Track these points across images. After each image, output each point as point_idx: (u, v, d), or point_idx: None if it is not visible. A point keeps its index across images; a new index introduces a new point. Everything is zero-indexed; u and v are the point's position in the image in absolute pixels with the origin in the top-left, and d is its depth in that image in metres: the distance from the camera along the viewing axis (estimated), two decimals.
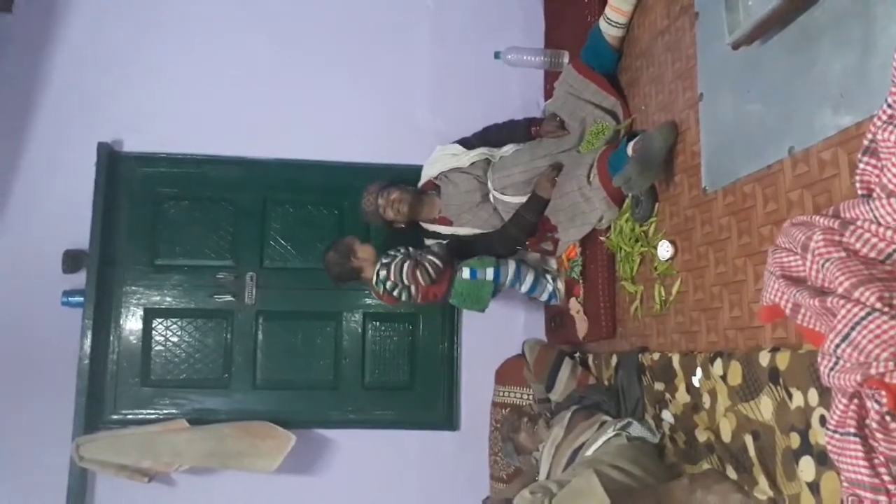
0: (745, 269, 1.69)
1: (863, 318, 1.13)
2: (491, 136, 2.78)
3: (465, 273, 2.63)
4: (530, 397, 2.64)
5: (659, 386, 1.99)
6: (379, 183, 2.77)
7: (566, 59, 2.79)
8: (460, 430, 3.11)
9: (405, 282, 2.59)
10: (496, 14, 3.32)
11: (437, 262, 2.57)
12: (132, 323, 3.08)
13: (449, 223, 2.78)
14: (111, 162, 3.06)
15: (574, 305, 2.64)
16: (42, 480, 2.84)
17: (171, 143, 3.12)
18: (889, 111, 1.17)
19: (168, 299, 3.10)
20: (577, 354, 2.63)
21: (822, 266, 1.25)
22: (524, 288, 2.70)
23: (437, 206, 2.80)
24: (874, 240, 1.19)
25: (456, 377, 3.17)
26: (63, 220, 3.00)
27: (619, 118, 2.42)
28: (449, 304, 2.83)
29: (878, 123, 1.19)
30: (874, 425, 1.16)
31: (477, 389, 3.02)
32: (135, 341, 3.07)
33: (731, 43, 1.63)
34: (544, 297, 2.74)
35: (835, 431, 1.22)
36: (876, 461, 1.16)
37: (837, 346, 1.18)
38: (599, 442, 1.96)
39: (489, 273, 2.63)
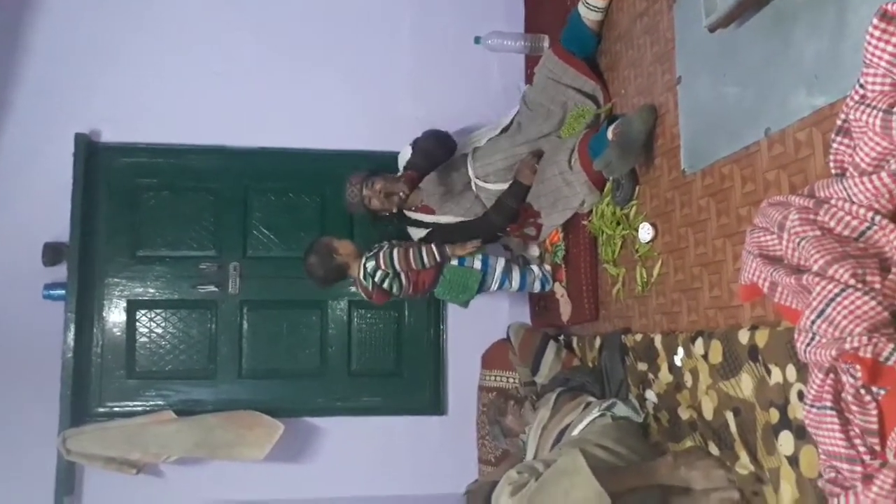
0: (724, 250, 1.72)
1: (837, 295, 1.16)
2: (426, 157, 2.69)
3: (454, 260, 2.62)
4: (516, 381, 2.67)
5: (642, 366, 2.02)
6: (361, 173, 2.75)
7: (546, 44, 2.80)
8: (448, 415, 3.14)
9: (396, 267, 2.54)
10: None
11: (430, 246, 2.56)
12: (115, 315, 3.06)
13: (431, 211, 2.78)
14: (89, 153, 3.02)
15: (558, 289, 2.66)
16: (29, 475, 2.83)
17: (150, 132, 3.08)
18: (861, 91, 1.19)
19: (151, 290, 3.09)
20: (562, 337, 2.65)
21: (798, 245, 1.28)
22: (514, 285, 2.66)
23: (419, 194, 2.80)
24: (847, 217, 1.22)
25: (442, 362, 3.19)
26: (42, 212, 2.96)
27: (599, 102, 2.44)
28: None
29: (851, 104, 1.21)
30: (849, 398, 1.19)
31: (463, 374, 3.05)
32: (119, 333, 3.05)
33: (707, 26, 1.65)
34: (537, 287, 2.70)
35: (812, 405, 1.25)
36: (851, 433, 1.19)
37: (813, 322, 1.20)
38: (585, 422, 1.98)
39: (477, 261, 2.62)
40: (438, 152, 2.67)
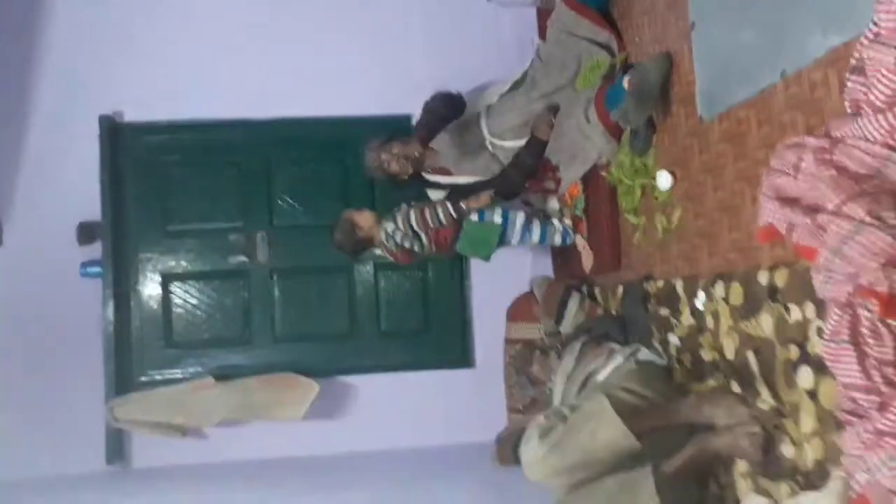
0: (742, 193, 1.74)
1: (853, 232, 1.19)
2: (432, 121, 2.74)
3: (473, 216, 2.65)
4: (541, 332, 2.73)
5: (664, 311, 2.07)
6: (379, 138, 2.78)
7: None
8: (476, 368, 3.23)
9: (415, 227, 2.60)
10: None
11: (445, 203, 2.61)
12: (151, 288, 3.17)
13: (448, 173, 2.81)
14: (114, 134, 3.09)
15: (579, 241, 2.70)
16: (81, 443, 2.98)
17: (171, 110, 3.14)
18: (875, 29, 1.20)
19: (183, 263, 3.19)
20: (585, 288, 2.70)
21: (814, 184, 1.30)
22: (535, 238, 2.68)
23: (436, 156, 2.83)
24: (863, 156, 1.24)
25: (468, 317, 3.27)
26: (73, 194, 3.06)
27: (613, 52, 2.43)
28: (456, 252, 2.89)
29: (865, 42, 1.22)
30: (866, 332, 1.23)
31: (489, 328, 3.12)
32: (155, 306, 3.17)
33: None
34: (558, 240, 2.71)
35: (830, 340, 1.29)
36: (868, 364, 1.23)
37: (830, 259, 1.24)
38: (609, 368, 2.04)
39: (497, 214, 2.65)
40: (446, 111, 2.71)
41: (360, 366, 3.21)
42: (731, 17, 1.73)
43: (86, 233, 3.05)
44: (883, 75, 1.19)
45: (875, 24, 1.20)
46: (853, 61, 1.28)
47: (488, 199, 2.63)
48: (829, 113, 1.42)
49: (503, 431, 2.83)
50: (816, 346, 1.42)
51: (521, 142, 2.65)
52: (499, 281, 3.13)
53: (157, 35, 3.12)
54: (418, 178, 2.87)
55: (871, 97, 1.23)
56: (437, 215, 2.59)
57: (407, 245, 2.64)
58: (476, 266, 3.24)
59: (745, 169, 1.72)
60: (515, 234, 2.67)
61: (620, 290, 2.36)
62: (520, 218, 2.67)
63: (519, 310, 2.89)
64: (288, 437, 3.07)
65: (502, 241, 2.67)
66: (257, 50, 3.16)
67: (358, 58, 3.19)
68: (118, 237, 3.08)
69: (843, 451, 1.25)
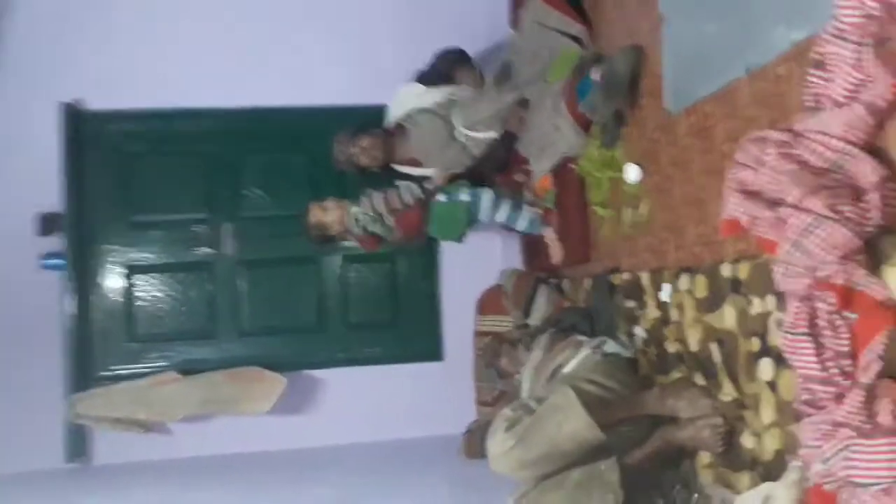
0: (708, 187, 1.75)
1: (811, 225, 1.20)
2: (445, 66, 2.77)
3: (441, 196, 2.65)
4: (510, 325, 2.74)
5: (630, 303, 2.08)
6: (347, 131, 2.76)
7: None
8: (445, 361, 3.23)
9: (379, 210, 2.60)
10: None
11: (409, 184, 2.60)
12: (114, 281, 3.11)
13: (419, 164, 2.80)
14: (76, 122, 3.02)
15: (548, 233, 2.70)
16: (39, 441, 2.92)
17: (136, 98, 3.08)
18: (837, 25, 1.21)
19: (147, 255, 3.13)
20: (553, 280, 2.71)
21: (775, 178, 1.31)
22: (501, 217, 2.68)
23: (407, 147, 2.81)
24: (822, 149, 1.25)
25: (438, 310, 3.26)
26: (33, 183, 2.98)
27: (584, 44, 2.43)
28: (427, 239, 2.88)
29: (827, 37, 1.23)
30: (824, 324, 1.25)
31: (459, 320, 3.11)
32: (118, 298, 3.10)
33: None
34: (523, 226, 2.72)
35: (789, 332, 1.31)
36: (825, 356, 1.25)
37: (790, 252, 1.25)
38: (576, 360, 2.05)
39: (464, 193, 2.64)
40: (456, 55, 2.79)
41: (328, 359, 3.19)
42: (700, 11, 1.73)
43: (46, 223, 2.97)
44: (843, 70, 1.20)
45: (837, 19, 1.21)
46: (815, 56, 1.29)
47: (449, 175, 2.62)
48: (793, 107, 1.43)
49: (471, 424, 2.83)
50: (777, 338, 1.43)
51: (492, 133, 2.65)
52: (468, 273, 3.13)
53: (121, 21, 3.05)
54: (389, 170, 2.85)
55: (832, 92, 1.24)
56: (401, 195, 2.58)
57: (373, 229, 2.63)
58: (446, 258, 3.24)
59: (711, 163, 1.73)
60: (484, 209, 2.65)
61: (588, 282, 2.37)
62: (487, 194, 2.66)
63: (488, 302, 2.89)
64: (254, 432, 3.04)
65: (472, 219, 2.66)
66: (225, 38, 3.10)
67: (327, 47, 3.16)
68: (80, 227, 3.01)
69: (801, 441, 1.27)
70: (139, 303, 3.12)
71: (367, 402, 3.14)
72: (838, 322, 1.22)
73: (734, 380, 1.59)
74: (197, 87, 3.09)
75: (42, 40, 3.00)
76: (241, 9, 3.12)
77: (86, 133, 3.05)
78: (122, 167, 3.10)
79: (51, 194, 2.96)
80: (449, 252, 3.20)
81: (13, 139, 2.98)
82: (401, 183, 2.70)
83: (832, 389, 1.21)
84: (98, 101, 3.06)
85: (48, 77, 3.00)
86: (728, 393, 1.61)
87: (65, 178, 2.97)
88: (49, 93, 2.97)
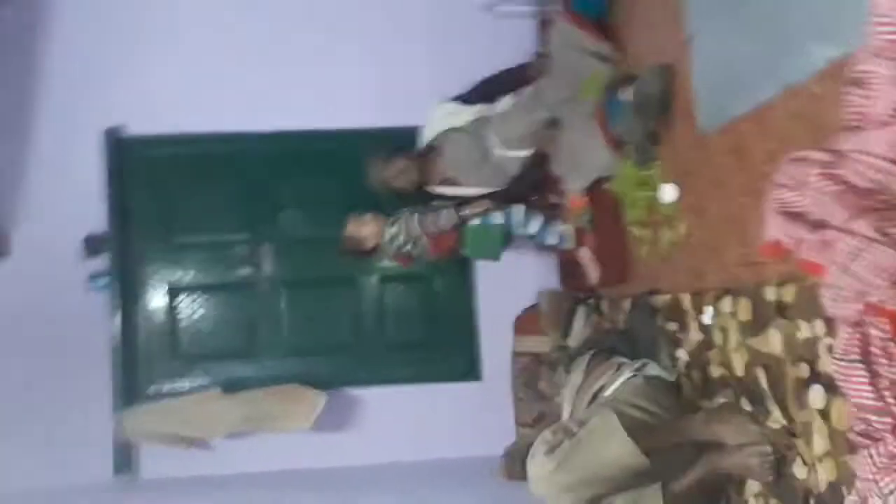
0: (747, 207, 1.71)
1: (860, 249, 1.16)
2: (487, 89, 2.78)
3: (476, 219, 2.66)
4: (548, 345, 2.71)
5: (672, 326, 2.04)
6: (381, 154, 2.79)
7: (557, 8, 2.75)
8: (483, 381, 3.21)
9: (415, 233, 2.62)
10: None
11: (450, 210, 2.62)
12: (157, 300, 3.18)
13: (455, 184, 2.81)
14: (119, 147, 3.11)
15: (585, 253, 2.68)
16: (89, 454, 2.99)
17: (176, 123, 3.15)
18: (874, 43, 1.17)
19: (190, 275, 3.19)
20: (591, 301, 2.67)
21: (820, 200, 1.27)
22: (533, 229, 2.72)
23: (441, 168, 2.82)
24: (867, 171, 1.21)
25: (475, 329, 3.25)
26: (79, 206, 3.07)
27: (614, 64, 2.41)
28: (462, 259, 2.88)
29: (864, 56, 1.19)
30: (877, 351, 1.20)
31: (496, 340, 3.08)
32: (162, 318, 3.18)
33: None
34: (553, 240, 2.74)
35: (841, 359, 1.26)
36: (880, 385, 1.20)
37: (839, 276, 1.21)
38: (617, 383, 2.01)
39: (498, 216, 2.66)
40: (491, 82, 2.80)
41: (366, 378, 3.20)
42: (729, 29, 1.71)
43: (92, 245, 3.06)
44: (884, 89, 1.16)
45: (874, 37, 1.18)
46: (853, 74, 1.25)
47: (488, 204, 2.63)
48: (831, 126, 1.39)
49: (511, 445, 2.79)
50: (827, 364, 1.38)
51: (525, 151, 2.65)
52: (505, 293, 3.10)
53: (160, 48, 3.14)
54: (424, 192, 2.86)
55: (873, 111, 1.20)
56: (439, 220, 2.60)
57: (408, 250, 2.67)
58: (482, 277, 3.23)
59: (749, 182, 1.69)
60: (517, 224, 2.71)
61: (627, 303, 2.33)
62: (520, 211, 2.71)
63: (526, 323, 2.87)
64: (295, 450, 3.06)
65: (507, 236, 2.70)
66: (261, 63, 3.16)
67: (360, 70, 3.19)
68: (124, 249, 3.09)
69: (856, 474, 1.22)
70: (182, 322, 3.18)
71: (405, 421, 3.13)
72: (893, 349, 1.17)
73: (783, 407, 1.54)
74: (235, 111, 3.15)
75: (87, 68, 3.10)
76: (275, 34, 3.18)
77: (128, 157, 3.14)
78: (164, 190, 3.18)
79: (96, 218, 3.05)
80: (485, 271, 3.19)
81: (59, 165, 3.08)
82: (439, 205, 2.71)
83: (889, 420, 1.16)
84: (139, 126, 3.14)
85: (90, 104, 3.10)
86: (777, 420, 1.56)
87: (108, 200, 3.05)
88: (92, 119, 3.07)
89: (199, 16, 3.16)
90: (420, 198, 2.85)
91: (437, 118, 2.83)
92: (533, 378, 2.48)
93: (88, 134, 3.06)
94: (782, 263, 1.57)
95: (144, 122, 3.13)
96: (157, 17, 3.15)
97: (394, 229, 2.65)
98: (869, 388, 1.21)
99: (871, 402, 1.20)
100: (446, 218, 2.60)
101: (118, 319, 3.05)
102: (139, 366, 3.12)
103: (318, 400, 2.97)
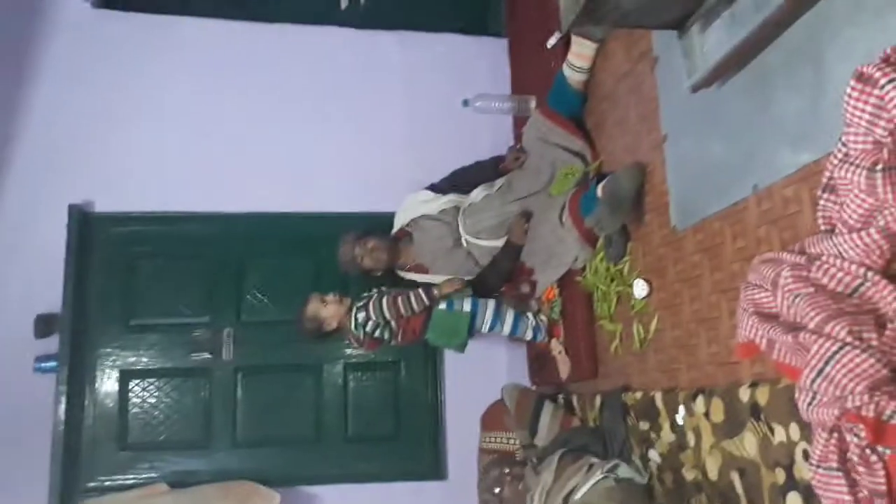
0: (719, 306, 1.71)
1: (835, 353, 1.15)
2: (460, 180, 2.81)
3: (442, 304, 2.59)
4: (517, 442, 2.62)
5: (644, 425, 1.98)
6: (354, 232, 2.77)
7: (533, 104, 2.85)
8: (448, 479, 3.06)
9: (386, 316, 2.53)
10: (463, 62, 3.39)
11: (418, 291, 2.55)
12: (108, 385, 3.01)
13: (424, 270, 2.79)
14: (83, 223, 3.03)
15: (555, 346, 2.64)
16: None
17: (143, 201, 3.09)
18: (843, 149, 1.21)
19: (144, 360, 3.05)
20: (561, 396, 2.61)
21: (793, 302, 1.27)
22: (506, 329, 2.64)
23: (412, 253, 2.80)
24: (840, 274, 1.22)
25: (441, 424, 3.13)
26: (34, 284, 2.94)
27: (587, 160, 2.47)
28: (430, 348, 2.79)
29: (835, 161, 1.23)
30: (855, 459, 1.17)
31: (463, 436, 2.97)
32: (111, 404, 3.00)
33: (689, 86, 1.69)
34: (529, 335, 2.67)
35: (818, 466, 1.22)
36: (860, 495, 1.16)
37: (813, 381, 1.19)
38: (588, 485, 1.94)
39: (466, 304, 2.60)
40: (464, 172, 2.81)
41: (324, 475, 3.02)
42: (703, 131, 1.76)
43: (43, 325, 2.91)
44: (855, 195, 1.19)
45: (844, 144, 1.22)
46: (824, 179, 1.28)
47: (461, 284, 2.58)
48: (803, 228, 1.42)
49: None
50: (804, 470, 1.34)
51: (496, 242, 2.65)
52: (473, 385, 3.02)
53: (134, 126, 3.12)
54: (392, 276, 2.83)
55: (845, 216, 1.23)
56: (410, 303, 2.52)
57: (377, 335, 2.58)
58: (450, 369, 3.15)
59: (721, 281, 1.70)
60: (486, 321, 2.61)
61: (598, 399, 2.28)
62: (490, 305, 2.62)
63: (493, 418, 2.78)
64: None
65: (472, 329, 2.61)
66: (233, 144, 3.16)
67: (335, 155, 3.22)
68: (77, 331, 2.94)
69: None
70: (133, 409, 3.00)
71: None
72: (872, 458, 1.14)
73: None
74: (205, 192, 3.12)
75: (55, 143, 3.05)
76: (251, 115, 3.20)
77: (91, 234, 3.05)
78: (125, 269, 3.08)
79: (53, 295, 2.92)
80: (453, 362, 3.12)
81: (20, 240, 2.98)
82: (410, 290, 2.65)
83: None
84: (105, 203, 3.08)
85: (59, 178, 3.03)
86: None
87: (66, 278, 2.94)
88: (58, 194, 3.00)
89: (171, 96, 3.17)
90: (388, 281, 2.81)
91: (411, 205, 2.84)
92: (496, 485, 2.38)
93: (52, 210, 2.97)
94: (756, 363, 1.56)
95: (112, 199, 3.07)
96: (132, 97, 3.14)
97: (362, 315, 2.56)
98: (849, 498, 1.17)
99: None
100: (419, 300, 2.53)
101: (63, 406, 2.86)
102: (82, 456, 2.90)
103: (270, 500, 2.78)
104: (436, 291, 2.56)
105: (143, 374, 3.03)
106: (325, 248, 3.00)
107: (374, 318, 2.53)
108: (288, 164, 3.19)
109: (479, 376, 3.01)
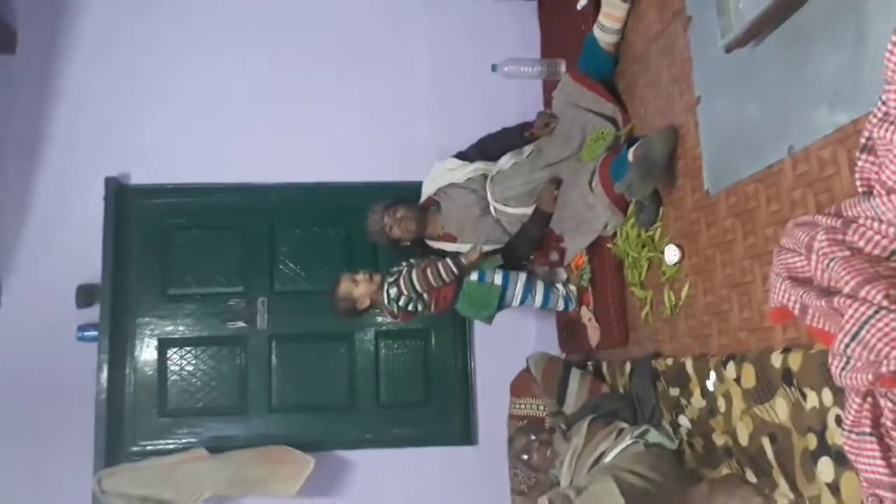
0: (752, 271, 1.68)
1: (871, 317, 1.13)
2: (487, 147, 2.78)
3: (473, 275, 2.59)
4: (545, 409, 2.63)
5: (674, 391, 1.98)
6: (383, 202, 2.77)
7: (563, 68, 2.80)
8: (479, 445, 3.11)
9: (417, 289, 2.52)
10: (492, 26, 3.34)
11: (446, 261, 2.55)
12: (147, 354, 3.10)
13: (453, 239, 2.79)
14: (119, 196, 3.10)
15: (585, 313, 2.63)
16: None
17: (178, 173, 3.15)
18: (883, 108, 1.17)
19: (181, 328, 3.13)
20: (590, 363, 2.61)
21: (827, 266, 1.25)
22: (538, 301, 2.63)
23: (440, 222, 2.80)
24: (877, 237, 1.19)
25: (471, 391, 3.16)
26: (74, 255, 3.03)
27: (618, 124, 2.43)
28: (459, 317, 2.80)
29: (874, 121, 1.19)
30: (889, 424, 1.15)
31: (493, 402, 3.01)
32: (150, 372, 3.09)
33: (724, 46, 1.64)
34: (560, 306, 2.67)
35: (851, 431, 1.21)
36: (893, 459, 1.15)
37: (847, 345, 1.17)
38: (618, 450, 1.95)
39: (497, 277, 2.60)
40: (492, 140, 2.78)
41: (357, 440, 3.10)
42: (737, 92, 1.72)
43: (84, 295, 3.00)
44: (895, 156, 1.15)
45: (884, 102, 1.17)
46: (863, 140, 1.25)
47: (480, 251, 2.57)
48: (839, 191, 1.38)
49: None
50: (836, 435, 1.33)
51: (525, 209, 2.63)
52: (503, 352, 3.04)
53: (167, 98, 3.17)
54: (421, 246, 2.84)
55: (884, 177, 1.19)
56: (440, 273, 2.52)
57: (410, 308, 2.59)
58: (480, 337, 3.17)
59: (754, 246, 1.67)
60: (517, 295, 2.60)
61: (628, 366, 2.28)
62: (521, 279, 2.61)
63: (521, 385, 2.80)
64: None
65: (502, 302, 2.60)
66: (264, 115, 3.19)
67: (364, 125, 3.22)
68: (117, 300, 3.03)
69: None
70: (172, 377, 3.10)
71: (396, 486, 3.01)
72: None
73: (790, 479, 1.47)
74: (237, 163, 3.16)
75: (90, 117, 3.11)
76: (281, 86, 3.22)
77: (128, 206, 3.12)
78: (161, 240, 3.15)
79: (93, 266, 3.01)
80: (483, 331, 3.13)
81: (61, 211, 3.07)
82: (439, 260, 2.66)
83: None
84: (141, 175, 3.14)
85: (95, 152, 3.10)
86: (784, 494, 1.49)
87: (104, 250, 3.02)
88: (93, 168, 3.06)
89: (207, 67, 3.20)
90: (417, 252, 2.82)
91: (438, 174, 2.83)
92: (524, 451, 2.41)
93: (89, 183, 3.05)
94: (788, 329, 1.54)
95: (147, 171, 3.13)
96: (165, 68, 3.19)
97: (394, 290, 2.57)
98: (882, 462, 1.15)
99: (884, 478, 1.14)
100: (446, 270, 2.53)
101: (105, 373, 2.97)
102: (124, 422, 3.01)
103: (305, 464, 2.86)
104: (464, 260, 2.56)
105: (180, 342, 3.12)
106: (355, 218, 3.02)
107: (405, 292, 2.53)
108: (317, 135, 3.21)
109: (508, 343, 3.02)
